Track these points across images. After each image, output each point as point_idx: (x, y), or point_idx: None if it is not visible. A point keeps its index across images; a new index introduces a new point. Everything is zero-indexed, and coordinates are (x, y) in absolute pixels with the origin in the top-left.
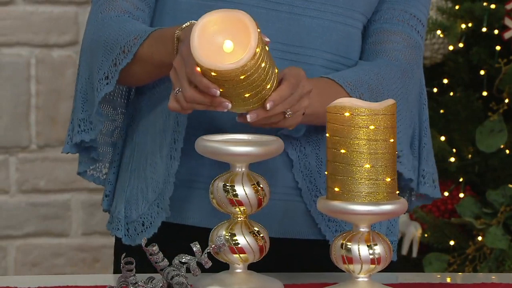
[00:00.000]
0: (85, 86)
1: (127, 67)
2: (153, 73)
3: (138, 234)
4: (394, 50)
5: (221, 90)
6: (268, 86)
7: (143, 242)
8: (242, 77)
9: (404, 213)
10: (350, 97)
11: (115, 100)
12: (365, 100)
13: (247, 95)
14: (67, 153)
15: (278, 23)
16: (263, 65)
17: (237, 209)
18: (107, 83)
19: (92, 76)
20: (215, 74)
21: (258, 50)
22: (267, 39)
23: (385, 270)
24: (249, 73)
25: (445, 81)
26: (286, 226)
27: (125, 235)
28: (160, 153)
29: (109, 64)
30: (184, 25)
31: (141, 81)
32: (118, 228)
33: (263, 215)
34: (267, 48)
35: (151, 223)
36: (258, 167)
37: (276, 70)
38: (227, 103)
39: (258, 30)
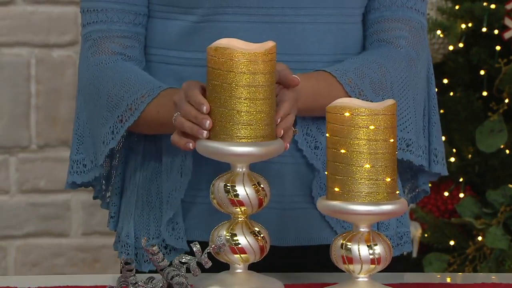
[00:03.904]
0: (82, 129)
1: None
2: (158, 130)
3: (145, 262)
4: (398, 38)
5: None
6: (265, 114)
7: (143, 243)
8: (242, 67)
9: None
10: (348, 95)
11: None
12: (365, 95)
13: (243, 106)
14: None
15: (272, 34)
16: (265, 80)
17: (238, 209)
18: (112, 138)
19: (92, 126)
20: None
21: (267, 60)
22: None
23: (394, 267)
24: (250, 68)
25: (445, 81)
26: (299, 234)
27: (134, 261)
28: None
29: (115, 120)
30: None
31: (146, 133)
32: (128, 253)
33: (275, 226)
34: (274, 99)
35: (164, 255)
36: (268, 176)
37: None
38: (206, 120)
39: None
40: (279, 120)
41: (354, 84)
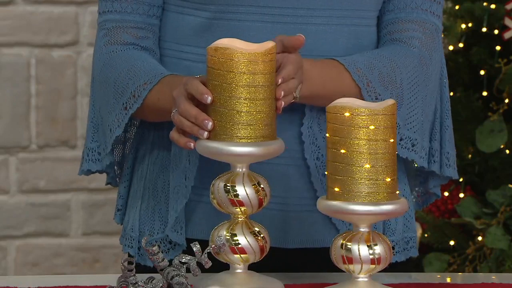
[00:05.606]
0: (96, 117)
1: (137, 109)
2: (161, 117)
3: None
4: (411, 38)
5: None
6: (265, 114)
7: (143, 242)
8: (242, 67)
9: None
10: (356, 84)
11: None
12: (373, 87)
13: (243, 106)
14: (81, 175)
15: (284, 34)
16: (265, 80)
17: (238, 209)
18: (118, 126)
19: (103, 113)
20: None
21: (267, 60)
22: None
23: (393, 267)
24: (250, 68)
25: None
26: (303, 237)
27: (137, 254)
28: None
29: (120, 107)
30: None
31: (151, 120)
32: (132, 246)
33: (280, 228)
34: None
35: (169, 250)
36: (271, 177)
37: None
38: (208, 121)
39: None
40: (280, 81)
41: (362, 73)
